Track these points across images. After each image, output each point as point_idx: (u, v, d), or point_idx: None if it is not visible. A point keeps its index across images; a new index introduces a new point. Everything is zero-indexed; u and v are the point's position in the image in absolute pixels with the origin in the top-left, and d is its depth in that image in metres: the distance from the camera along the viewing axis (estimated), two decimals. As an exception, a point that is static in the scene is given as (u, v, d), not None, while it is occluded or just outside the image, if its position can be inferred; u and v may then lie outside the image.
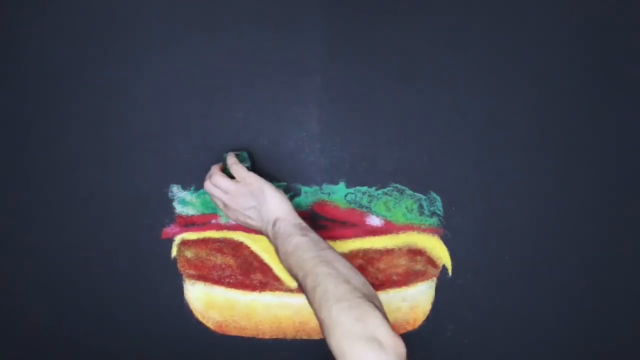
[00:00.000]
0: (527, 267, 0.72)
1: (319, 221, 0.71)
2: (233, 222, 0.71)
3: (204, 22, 0.71)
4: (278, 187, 0.66)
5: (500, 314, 0.72)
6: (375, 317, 0.48)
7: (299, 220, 0.61)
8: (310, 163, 0.71)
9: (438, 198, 0.71)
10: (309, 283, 0.54)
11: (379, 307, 0.51)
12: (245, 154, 0.69)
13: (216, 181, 0.64)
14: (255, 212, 0.63)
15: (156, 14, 0.71)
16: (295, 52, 0.70)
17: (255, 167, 0.70)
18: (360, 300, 0.50)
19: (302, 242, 0.58)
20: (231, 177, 0.65)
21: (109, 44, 0.71)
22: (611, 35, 0.70)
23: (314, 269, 0.54)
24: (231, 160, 0.66)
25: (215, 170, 0.66)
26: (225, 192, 0.64)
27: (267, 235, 0.62)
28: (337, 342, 0.48)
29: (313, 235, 0.59)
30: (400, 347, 0.47)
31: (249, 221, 0.64)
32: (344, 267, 0.55)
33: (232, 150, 0.70)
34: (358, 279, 0.54)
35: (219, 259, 0.72)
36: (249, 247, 0.72)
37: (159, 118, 0.71)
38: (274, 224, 0.61)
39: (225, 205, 0.65)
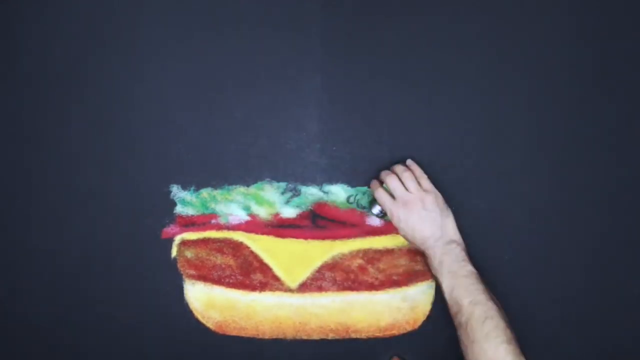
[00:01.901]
0: (527, 267, 0.72)
1: (319, 221, 0.71)
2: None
3: (204, 22, 0.71)
4: (277, 187, 0.67)
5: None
6: None
7: (469, 256, 0.65)
8: (310, 163, 0.71)
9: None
10: (478, 311, 0.58)
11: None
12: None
13: (406, 179, 0.66)
14: (432, 222, 0.65)
15: (156, 14, 0.71)
16: (295, 52, 0.70)
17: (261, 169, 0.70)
18: (520, 351, 0.57)
19: (475, 273, 0.62)
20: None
21: (109, 44, 0.71)
22: (611, 35, 0.70)
23: (487, 302, 0.59)
24: (420, 171, 0.68)
25: (406, 169, 0.67)
26: (410, 192, 0.65)
27: (426, 247, 0.65)
28: None
29: (478, 272, 0.63)
30: None
31: (420, 226, 0.65)
32: (505, 315, 0.60)
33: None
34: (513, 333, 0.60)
35: (219, 259, 0.72)
36: (249, 247, 0.72)
37: (159, 118, 0.71)
38: (449, 243, 0.64)
39: (404, 204, 0.65)
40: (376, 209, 0.69)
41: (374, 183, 0.69)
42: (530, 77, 0.71)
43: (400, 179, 0.67)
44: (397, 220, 0.66)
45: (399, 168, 0.68)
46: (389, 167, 0.71)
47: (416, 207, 0.65)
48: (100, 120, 0.72)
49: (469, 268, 0.62)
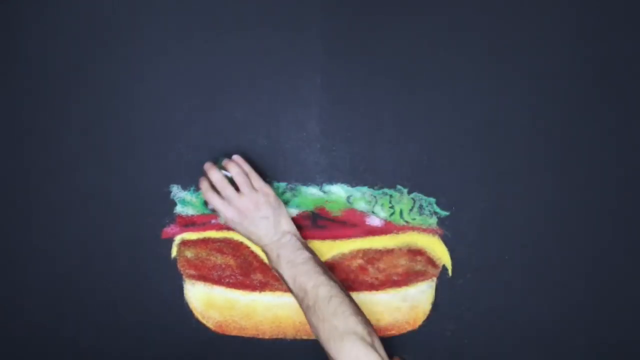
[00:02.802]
0: (527, 267, 0.72)
1: (319, 221, 0.71)
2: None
3: (204, 22, 0.71)
4: (277, 187, 0.67)
5: (500, 314, 0.72)
6: (378, 340, 0.57)
7: (304, 240, 0.66)
8: (310, 163, 0.71)
9: (438, 198, 0.71)
10: (322, 291, 0.60)
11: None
12: (221, 159, 0.68)
13: (238, 179, 0.65)
14: (266, 223, 0.65)
15: (156, 14, 0.71)
16: (295, 52, 0.70)
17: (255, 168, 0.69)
18: (367, 320, 0.59)
19: (312, 257, 0.63)
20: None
21: (109, 44, 0.71)
22: (611, 35, 0.70)
23: (328, 281, 0.60)
24: (248, 167, 0.67)
25: (215, 170, 0.65)
26: (238, 197, 0.64)
27: (263, 244, 0.65)
28: (353, 346, 0.55)
29: (317, 256, 0.65)
30: None
31: (254, 229, 0.65)
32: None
33: (220, 157, 0.68)
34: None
35: (219, 259, 0.72)
36: (249, 247, 0.72)
37: (159, 118, 0.71)
38: (283, 235, 0.65)
39: (236, 209, 0.64)
40: (211, 205, 0.67)
41: (203, 182, 0.66)
42: (530, 77, 0.71)
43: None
44: (229, 222, 0.65)
45: (228, 165, 0.66)
46: (389, 166, 0.71)
47: (249, 211, 0.64)
48: (100, 120, 0.72)
49: (305, 255, 0.63)
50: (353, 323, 0.57)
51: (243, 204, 0.64)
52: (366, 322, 0.58)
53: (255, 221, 0.65)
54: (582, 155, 0.71)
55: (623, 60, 0.70)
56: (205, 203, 0.69)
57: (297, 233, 0.66)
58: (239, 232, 0.66)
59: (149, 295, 0.73)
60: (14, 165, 0.72)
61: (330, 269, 0.71)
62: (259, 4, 0.70)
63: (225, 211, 0.65)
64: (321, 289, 0.60)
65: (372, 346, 0.55)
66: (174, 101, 0.71)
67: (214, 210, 0.67)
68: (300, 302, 0.62)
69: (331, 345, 0.56)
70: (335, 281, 0.61)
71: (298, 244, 0.64)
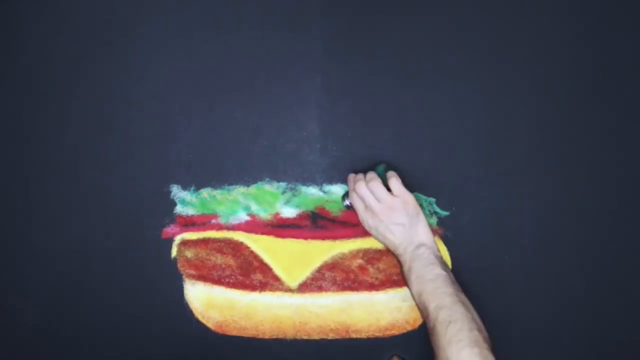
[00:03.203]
0: (527, 267, 0.72)
1: (319, 221, 0.71)
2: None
3: (204, 22, 0.71)
4: (278, 187, 0.67)
5: (500, 314, 0.72)
6: None
7: (440, 254, 0.64)
8: (310, 163, 0.71)
9: (438, 198, 0.71)
10: (442, 315, 0.57)
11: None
12: (381, 169, 0.69)
13: (374, 187, 0.64)
14: (401, 230, 0.64)
15: (156, 14, 0.71)
16: (295, 52, 0.70)
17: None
18: (489, 353, 0.55)
19: (443, 275, 0.61)
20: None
21: (109, 44, 0.71)
22: (611, 35, 0.70)
23: (452, 305, 0.57)
24: (392, 173, 0.67)
25: (375, 176, 0.66)
26: (378, 201, 0.64)
27: (399, 254, 0.64)
28: None
29: (450, 273, 0.62)
30: None
31: (389, 235, 0.64)
32: (476, 315, 0.59)
33: (383, 162, 0.70)
34: (485, 332, 0.58)
35: (219, 259, 0.72)
36: (249, 247, 0.72)
37: (159, 118, 0.71)
38: (418, 247, 0.63)
39: (370, 211, 0.64)
40: (347, 202, 0.69)
41: (350, 181, 0.67)
42: (530, 77, 0.71)
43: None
44: (367, 227, 0.66)
45: (368, 175, 0.66)
46: (389, 166, 0.71)
47: (385, 217, 0.64)
48: (100, 120, 0.72)
49: (437, 271, 0.61)
50: (466, 356, 0.54)
51: (379, 208, 0.64)
52: (485, 355, 0.54)
53: (390, 227, 0.64)
54: (582, 155, 0.71)
55: (623, 60, 0.70)
56: (344, 197, 0.70)
57: (435, 247, 0.64)
58: (376, 238, 0.66)
59: (149, 295, 0.73)
60: (14, 165, 0.72)
61: (330, 269, 0.71)
62: (259, 4, 0.70)
63: (363, 215, 0.65)
64: (442, 312, 0.57)
65: None
66: (173, 101, 0.71)
67: (349, 207, 0.68)
68: (425, 321, 0.60)
69: None
70: (462, 305, 0.58)
71: (432, 258, 0.62)
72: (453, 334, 0.55)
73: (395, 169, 0.71)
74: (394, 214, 0.64)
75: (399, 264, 0.65)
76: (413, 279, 0.62)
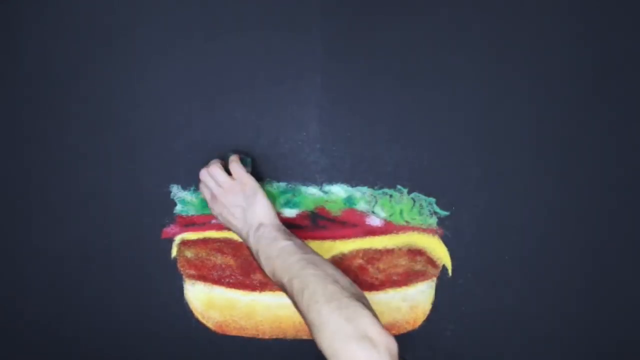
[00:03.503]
0: (527, 267, 0.72)
1: (319, 221, 0.71)
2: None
3: (204, 22, 0.71)
4: (277, 187, 0.66)
5: (500, 314, 0.72)
6: (365, 316, 0.49)
7: (283, 227, 0.62)
8: (310, 163, 0.71)
9: (438, 198, 0.71)
10: (295, 285, 0.54)
11: (368, 306, 0.51)
12: (249, 160, 0.69)
13: (214, 172, 0.65)
14: (241, 212, 0.63)
15: (156, 14, 0.71)
16: (295, 52, 0.70)
17: (255, 175, 0.69)
18: (349, 300, 0.50)
19: (287, 245, 0.58)
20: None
21: (109, 44, 0.71)
22: (611, 35, 0.70)
23: (300, 272, 0.54)
24: (233, 158, 0.66)
25: (215, 162, 0.66)
26: (219, 185, 0.64)
27: (245, 239, 0.63)
28: (329, 342, 0.48)
29: (297, 240, 0.60)
30: (391, 345, 0.48)
31: (231, 219, 0.64)
32: (331, 268, 0.55)
33: (239, 153, 0.69)
34: (345, 280, 0.54)
35: (219, 259, 0.72)
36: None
37: (159, 118, 0.71)
38: (257, 229, 0.62)
39: (213, 197, 0.65)
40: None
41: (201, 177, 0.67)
42: (530, 77, 0.71)
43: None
44: (216, 216, 0.66)
45: (211, 161, 0.66)
46: (389, 166, 0.71)
47: (225, 200, 0.63)
48: (100, 120, 0.72)
49: (280, 245, 0.58)
50: (326, 313, 0.49)
51: (219, 192, 0.64)
52: (343, 305, 0.50)
53: (231, 210, 0.63)
54: (582, 155, 0.71)
55: (623, 60, 0.70)
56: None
57: (277, 222, 0.63)
58: (225, 226, 0.66)
59: (149, 295, 0.73)
60: (14, 165, 0.72)
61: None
62: (259, 4, 0.70)
63: (210, 202, 0.65)
64: (295, 282, 0.54)
65: (351, 336, 0.47)
66: (174, 101, 0.71)
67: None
68: (288, 297, 0.56)
69: (316, 343, 0.50)
70: (311, 265, 0.55)
71: (273, 234, 0.60)
72: (309, 298, 0.52)
73: (396, 169, 0.71)
74: (233, 196, 0.63)
75: (249, 250, 0.63)
76: (262, 260, 0.59)
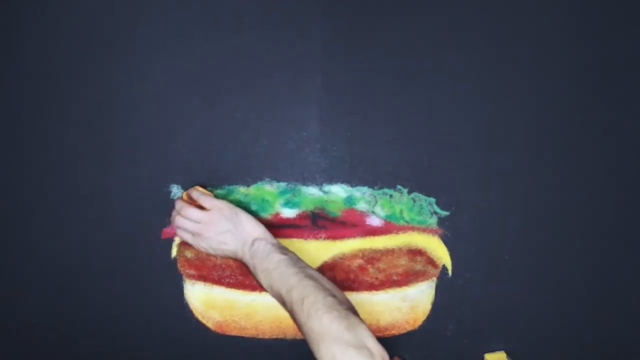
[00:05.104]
0: (527, 267, 0.72)
1: (319, 221, 0.71)
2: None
3: (204, 22, 0.71)
4: (278, 187, 0.67)
5: (500, 314, 0.72)
6: (363, 328, 0.53)
7: (276, 241, 0.64)
8: (310, 163, 0.71)
9: (438, 198, 0.71)
10: (294, 295, 0.57)
11: (363, 321, 0.55)
12: (209, 188, 0.70)
13: (187, 213, 0.65)
14: (230, 236, 0.64)
15: (156, 14, 0.71)
16: (295, 52, 0.70)
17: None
18: (347, 311, 0.54)
19: (284, 259, 0.61)
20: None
21: (109, 44, 0.71)
22: (611, 35, 0.70)
23: (300, 282, 0.58)
24: (196, 193, 0.67)
25: (179, 202, 0.67)
26: (197, 222, 0.65)
27: (241, 257, 0.64)
28: (328, 348, 0.52)
29: (291, 254, 0.63)
30: (386, 357, 0.52)
31: (223, 246, 0.64)
32: (327, 282, 0.59)
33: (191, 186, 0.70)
34: (341, 294, 0.59)
35: (219, 259, 0.72)
36: (249, 247, 0.72)
37: (159, 118, 0.71)
38: (252, 244, 0.63)
39: (197, 235, 0.65)
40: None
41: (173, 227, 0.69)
42: (530, 77, 0.71)
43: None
44: (205, 251, 0.66)
45: (176, 204, 0.67)
46: (389, 166, 0.71)
47: (210, 233, 0.64)
48: (100, 120, 0.72)
49: (276, 258, 0.61)
50: (327, 321, 0.53)
51: (200, 228, 0.65)
52: (344, 315, 0.53)
53: (219, 238, 0.64)
54: (582, 155, 0.71)
55: (623, 60, 0.70)
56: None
57: (268, 235, 0.64)
58: (219, 256, 0.68)
59: (149, 295, 0.73)
60: (14, 165, 0.72)
61: (330, 269, 0.71)
62: (259, 4, 0.70)
63: (193, 242, 0.66)
64: (294, 292, 0.57)
65: (350, 344, 0.51)
66: (173, 101, 0.71)
67: None
68: (285, 308, 0.60)
69: (314, 349, 0.54)
70: (309, 277, 0.58)
71: (268, 247, 0.62)
72: (309, 307, 0.55)
73: (395, 169, 0.71)
74: (215, 225, 0.64)
75: (247, 268, 0.64)
76: (260, 274, 0.61)
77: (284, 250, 0.63)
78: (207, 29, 0.71)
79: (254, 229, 0.64)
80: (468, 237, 0.71)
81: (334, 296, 0.56)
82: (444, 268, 0.72)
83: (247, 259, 0.63)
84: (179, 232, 0.67)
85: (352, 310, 0.56)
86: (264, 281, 0.61)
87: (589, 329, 0.72)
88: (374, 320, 0.71)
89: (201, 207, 0.66)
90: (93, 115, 0.72)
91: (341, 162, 0.71)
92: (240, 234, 0.64)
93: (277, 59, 0.71)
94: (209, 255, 0.70)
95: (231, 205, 0.65)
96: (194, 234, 0.65)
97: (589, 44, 0.70)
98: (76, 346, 0.74)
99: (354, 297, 0.71)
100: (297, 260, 0.62)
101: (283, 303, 0.59)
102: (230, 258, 0.66)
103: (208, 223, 0.65)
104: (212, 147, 0.71)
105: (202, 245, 0.65)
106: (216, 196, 0.68)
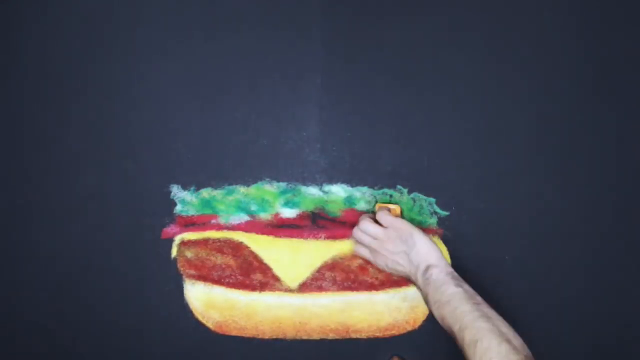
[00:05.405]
0: (527, 267, 0.72)
1: (319, 221, 0.71)
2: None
3: (204, 22, 0.71)
4: (278, 187, 0.67)
5: (500, 314, 0.72)
6: None
7: (451, 269, 0.62)
8: (310, 163, 0.71)
9: (438, 198, 0.71)
10: (467, 336, 0.54)
11: None
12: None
13: (365, 227, 0.65)
14: (404, 257, 0.63)
15: (156, 14, 0.71)
16: (295, 52, 0.70)
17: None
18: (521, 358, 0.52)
19: (457, 293, 0.58)
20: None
21: (109, 44, 0.71)
22: (611, 36, 0.70)
23: (473, 323, 0.55)
24: (380, 208, 0.67)
25: (363, 217, 0.67)
26: (374, 238, 0.65)
27: (414, 281, 0.63)
28: None
29: (467, 287, 0.60)
30: None
31: (398, 267, 0.64)
32: (504, 325, 0.56)
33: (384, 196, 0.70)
34: (517, 340, 0.55)
35: (219, 259, 0.72)
36: (249, 247, 0.72)
37: (159, 118, 0.71)
38: (426, 271, 0.61)
39: (373, 251, 0.65)
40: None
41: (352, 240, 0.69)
42: (530, 77, 0.71)
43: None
44: (382, 268, 0.66)
45: (360, 217, 0.67)
46: (389, 166, 0.71)
47: (385, 251, 0.64)
48: (100, 120, 0.72)
49: (450, 291, 0.59)
50: None
51: (377, 245, 0.64)
52: None
53: (395, 258, 0.63)
54: (582, 155, 0.71)
55: (623, 60, 0.70)
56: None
57: (443, 262, 0.62)
58: (395, 275, 0.66)
59: (149, 295, 0.73)
60: (14, 166, 0.72)
61: (330, 269, 0.71)
62: (259, 4, 0.70)
63: (371, 258, 0.66)
64: (466, 333, 0.54)
65: None
66: (173, 101, 0.71)
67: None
68: (455, 342, 0.57)
69: None
70: (484, 317, 0.55)
71: (441, 277, 0.60)
72: (482, 352, 0.53)
73: (396, 169, 0.71)
74: (391, 244, 0.64)
75: (419, 290, 0.63)
76: (432, 304, 0.60)
77: (459, 282, 0.60)
78: (207, 29, 0.71)
79: (428, 254, 0.62)
80: (468, 237, 0.71)
81: (508, 341, 0.53)
82: (444, 268, 0.72)
83: (420, 285, 0.61)
84: (355, 247, 0.68)
85: (527, 358, 0.53)
86: (436, 312, 0.59)
87: (589, 329, 0.72)
88: (374, 320, 0.71)
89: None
90: (93, 115, 0.72)
91: (341, 162, 0.71)
92: (414, 257, 0.62)
93: (277, 59, 0.71)
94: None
95: (408, 225, 0.63)
96: (370, 250, 0.65)
97: (589, 43, 0.70)
98: (76, 346, 0.74)
99: (354, 297, 0.71)
100: (472, 295, 0.58)
101: (454, 339, 0.57)
102: (405, 277, 0.65)
103: (384, 241, 0.64)
104: (212, 147, 0.71)
105: (379, 262, 0.65)
106: (382, 210, 0.67)
